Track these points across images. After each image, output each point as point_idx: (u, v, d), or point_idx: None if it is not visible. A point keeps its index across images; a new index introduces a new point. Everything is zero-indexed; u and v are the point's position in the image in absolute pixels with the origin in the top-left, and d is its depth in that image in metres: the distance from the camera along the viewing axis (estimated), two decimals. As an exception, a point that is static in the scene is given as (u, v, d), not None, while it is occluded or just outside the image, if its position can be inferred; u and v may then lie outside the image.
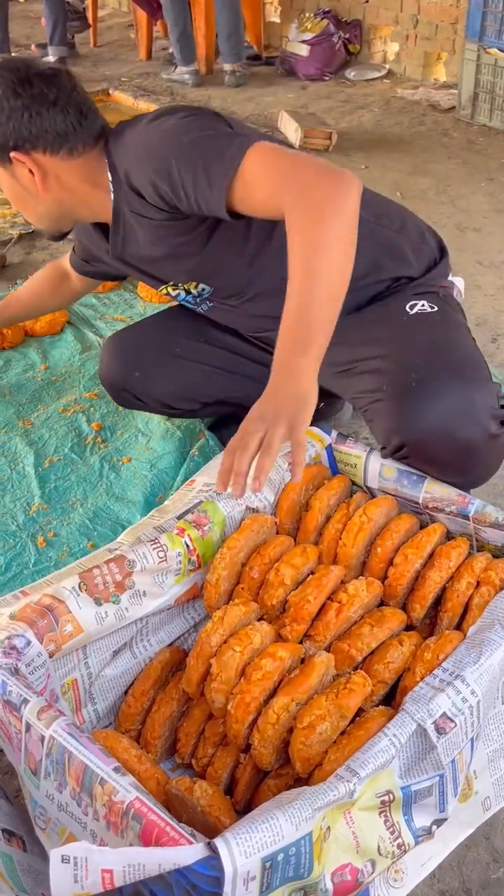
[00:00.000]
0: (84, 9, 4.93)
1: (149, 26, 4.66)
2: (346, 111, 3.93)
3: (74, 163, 1.28)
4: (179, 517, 1.21)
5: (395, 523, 1.14)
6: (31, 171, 1.28)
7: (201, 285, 1.39)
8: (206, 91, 4.24)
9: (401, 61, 4.46)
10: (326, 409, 1.71)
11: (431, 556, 1.10)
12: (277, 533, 1.20)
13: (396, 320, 1.27)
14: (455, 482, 1.19)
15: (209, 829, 0.88)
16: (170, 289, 1.44)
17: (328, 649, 1.03)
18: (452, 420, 1.13)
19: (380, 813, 0.85)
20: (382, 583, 1.10)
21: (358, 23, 4.50)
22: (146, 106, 3.99)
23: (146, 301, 2.27)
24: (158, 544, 1.08)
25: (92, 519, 1.54)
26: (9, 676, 0.89)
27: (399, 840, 0.86)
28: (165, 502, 1.35)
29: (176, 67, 4.32)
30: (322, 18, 4.40)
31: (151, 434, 1.73)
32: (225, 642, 0.99)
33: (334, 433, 1.29)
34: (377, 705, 0.99)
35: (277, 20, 4.95)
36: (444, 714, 0.87)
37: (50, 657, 0.97)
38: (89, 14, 4.93)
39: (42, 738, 0.84)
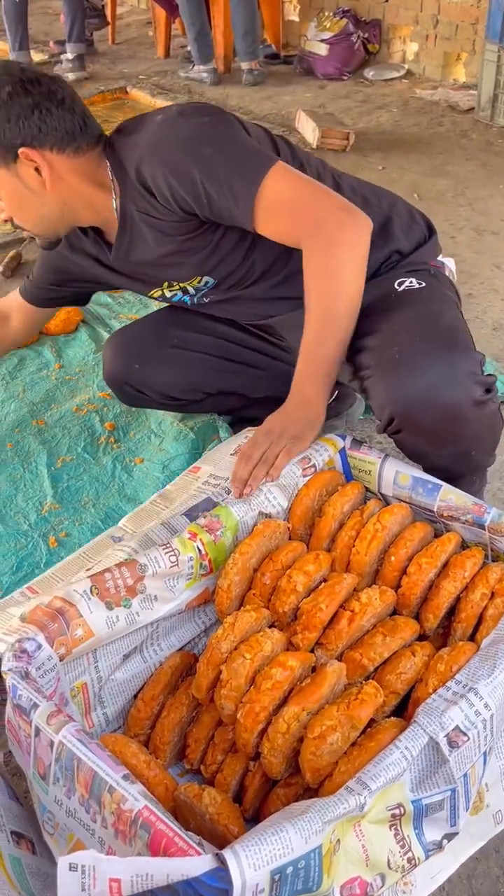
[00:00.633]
0: (103, 6, 4.93)
1: (167, 24, 4.65)
2: (364, 111, 3.91)
3: (79, 162, 1.28)
4: (187, 514, 1.21)
5: (410, 532, 1.13)
6: (37, 169, 1.25)
7: (205, 278, 1.39)
8: (224, 89, 4.23)
9: (420, 61, 4.43)
10: (337, 404, 1.70)
11: (446, 565, 1.09)
12: (290, 539, 1.19)
13: (386, 298, 1.31)
14: (448, 454, 1.22)
15: (217, 837, 0.87)
16: (165, 291, 1.45)
17: (340, 658, 1.02)
18: (434, 385, 1.14)
19: (390, 826, 0.85)
20: (396, 592, 1.09)
21: (377, 22, 4.48)
22: (164, 104, 3.98)
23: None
24: (170, 548, 1.08)
25: (103, 519, 1.53)
26: (19, 680, 0.88)
27: (409, 854, 0.85)
28: (168, 487, 1.35)
29: (193, 65, 4.31)
30: (341, 18, 4.38)
31: (164, 435, 1.72)
32: (235, 649, 0.98)
33: (349, 439, 1.28)
34: (389, 716, 0.98)
35: (296, 19, 4.93)
36: (456, 727, 0.86)
37: (60, 661, 0.97)
38: (108, 11, 4.93)
39: (51, 744, 0.83)
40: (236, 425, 1.70)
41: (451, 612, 1.09)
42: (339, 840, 0.80)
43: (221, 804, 0.88)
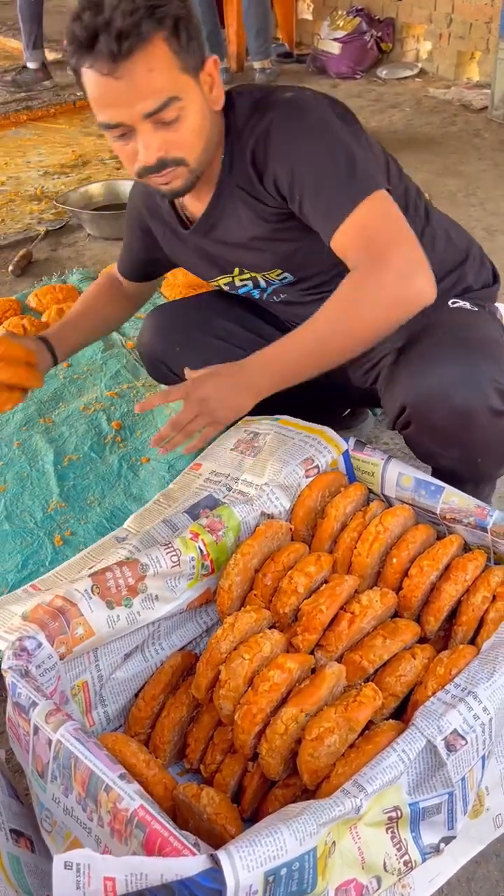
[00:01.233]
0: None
1: (181, 23, 4.65)
2: (377, 110, 3.90)
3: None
4: (188, 511, 1.21)
5: (412, 534, 1.13)
6: (210, 78, 1.14)
7: (285, 273, 1.32)
8: (237, 89, 4.23)
9: (433, 60, 4.42)
10: (351, 419, 1.69)
11: (448, 568, 1.09)
12: (292, 540, 1.19)
13: (435, 312, 1.24)
14: (454, 457, 1.20)
15: (215, 837, 0.88)
16: (235, 279, 1.38)
17: (340, 660, 1.02)
18: (453, 382, 1.12)
19: (387, 829, 0.84)
20: (397, 594, 1.09)
21: (391, 21, 4.46)
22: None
23: (170, 300, 2.26)
24: (172, 548, 1.08)
25: (109, 518, 1.54)
26: (18, 678, 0.89)
27: (406, 857, 0.85)
28: (170, 486, 1.36)
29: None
30: (355, 16, 4.37)
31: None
32: (235, 649, 0.98)
33: (352, 440, 1.27)
34: (388, 718, 0.98)
35: (310, 18, 4.92)
36: (454, 731, 0.86)
37: (61, 659, 0.97)
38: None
39: (49, 742, 0.84)
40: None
41: (453, 614, 1.08)
42: (334, 842, 0.80)
43: (219, 804, 0.89)
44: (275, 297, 1.40)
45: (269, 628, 1.04)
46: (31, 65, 4.20)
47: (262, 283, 1.37)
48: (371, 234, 1.11)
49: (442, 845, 0.88)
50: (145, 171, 1.15)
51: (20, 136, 3.78)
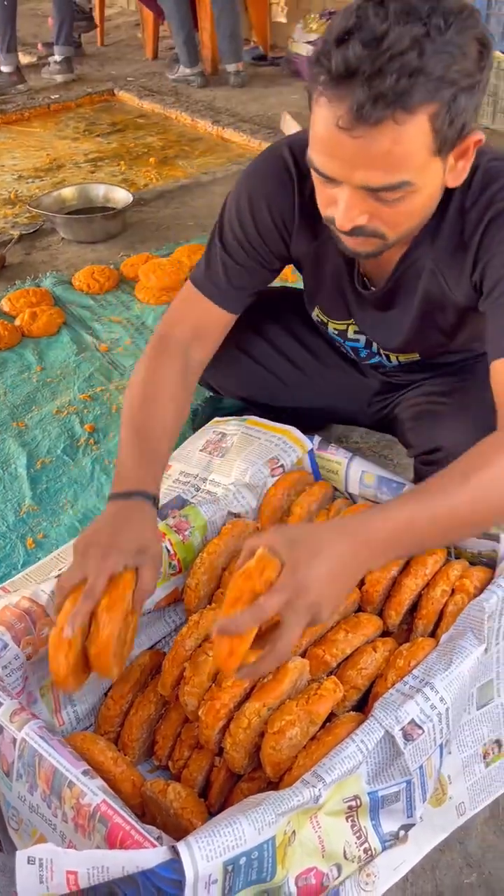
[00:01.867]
0: (90, 9, 4.94)
1: (155, 26, 4.66)
2: (350, 112, 3.92)
3: None
4: (158, 512, 1.22)
5: (374, 530, 1.15)
6: (464, 157, 0.93)
7: (418, 356, 1.21)
8: (212, 92, 4.24)
9: (406, 62, 4.44)
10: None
11: (408, 563, 1.11)
12: (259, 538, 1.20)
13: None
14: None
15: (181, 831, 0.89)
16: (350, 331, 1.24)
17: (304, 654, 1.04)
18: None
19: (347, 818, 0.86)
20: (360, 589, 1.11)
21: (363, 23, 4.49)
22: (150, 106, 4.00)
23: (143, 303, 2.28)
24: (138, 549, 1.09)
25: (81, 521, 1.55)
26: (-16, 679, 0.90)
27: (366, 845, 0.87)
28: None
29: (179, 67, 4.33)
30: (328, 19, 4.40)
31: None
32: (199, 646, 1.00)
33: (317, 439, 1.30)
34: (349, 711, 1.00)
35: (284, 20, 4.94)
36: (412, 721, 0.88)
37: (27, 659, 0.99)
38: (96, 14, 4.94)
39: (14, 741, 0.85)
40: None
41: (414, 608, 1.11)
42: (294, 831, 0.82)
43: (185, 799, 0.90)
44: (399, 374, 1.29)
45: (235, 625, 1.05)
46: (4, 68, 4.19)
47: (393, 361, 1.24)
48: None
49: (402, 832, 0.91)
50: (334, 224, 0.96)
51: (-6, 140, 3.78)
